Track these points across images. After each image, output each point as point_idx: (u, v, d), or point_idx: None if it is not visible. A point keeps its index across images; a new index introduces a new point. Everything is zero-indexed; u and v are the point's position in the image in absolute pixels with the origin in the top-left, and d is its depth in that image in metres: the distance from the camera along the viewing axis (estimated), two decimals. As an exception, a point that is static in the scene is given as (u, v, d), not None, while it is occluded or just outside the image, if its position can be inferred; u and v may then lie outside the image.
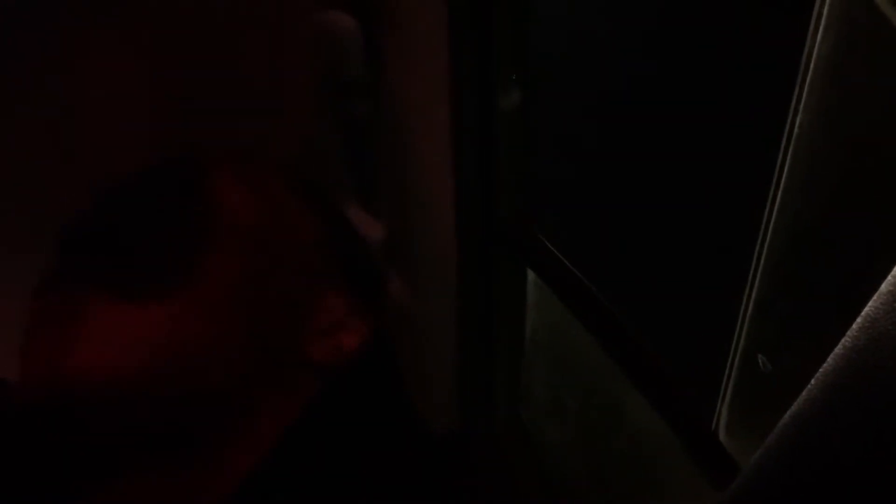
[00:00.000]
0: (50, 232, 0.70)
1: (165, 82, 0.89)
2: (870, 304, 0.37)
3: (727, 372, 0.71)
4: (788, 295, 0.64)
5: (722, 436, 0.76)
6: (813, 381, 0.39)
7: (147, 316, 0.63)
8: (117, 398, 0.62)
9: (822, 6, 0.55)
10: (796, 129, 0.58)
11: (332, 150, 0.91)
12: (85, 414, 0.63)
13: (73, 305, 0.64)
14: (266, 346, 0.68)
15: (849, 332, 0.37)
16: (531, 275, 0.98)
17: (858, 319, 0.37)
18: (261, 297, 0.68)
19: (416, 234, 0.93)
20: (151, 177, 0.72)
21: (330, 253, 0.76)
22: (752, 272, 0.65)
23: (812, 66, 0.56)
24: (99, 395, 0.62)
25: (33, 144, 0.88)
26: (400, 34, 0.82)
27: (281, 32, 0.88)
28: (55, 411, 0.64)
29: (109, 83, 0.88)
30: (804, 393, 0.39)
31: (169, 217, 0.68)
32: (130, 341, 0.63)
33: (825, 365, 0.38)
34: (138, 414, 0.63)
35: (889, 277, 0.36)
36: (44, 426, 0.67)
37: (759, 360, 0.67)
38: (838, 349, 0.38)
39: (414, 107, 0.85)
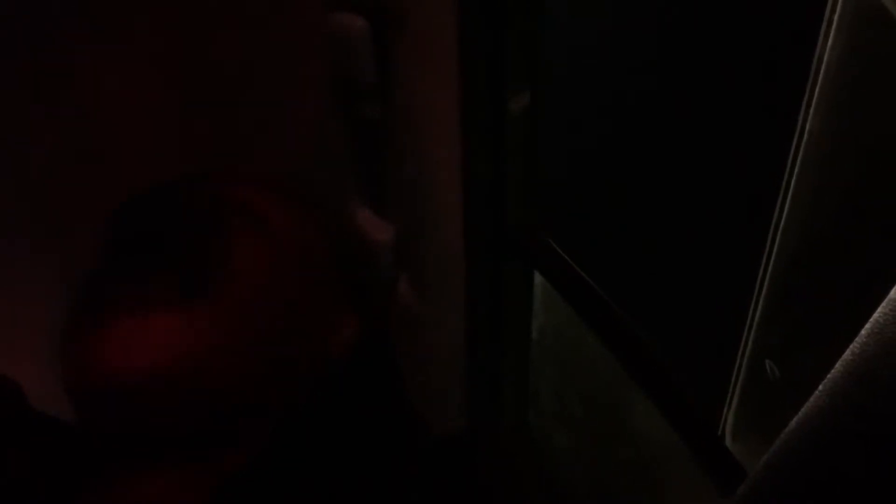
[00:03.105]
0: (70, 237, 0.71)
1: (178, 86, 0.90)
2: (879, 310, 0.36)
3: (734, 377, 0.71)
4: (797, 301, 0.64)
5: (728, 441, 0.76)
6: (821, 388, 0.39)
7: (176, 322, 0.65)
8: (142, 399, 0.64)
9: (832, 10, 0.55)
10: (806, 134, 0.58)
11: (342, 152, 0.91)
12: (109, 414, 0.64)
13: (104, 310, 0.65)
14: (281, 347, 0.69)
15: (857, 339, 0.37)
16: (538, 277, 0.98)
17: (867, 325, 0.37)
18: (279, 304, 0.69)
19: (425, 236, 0.93)
20: (178, 187, 0.73)
21: (335, 259, 0.77)
22: (760, 277, 0.65)
23: (822, 69, 0.56)
24: (125, 396, 0.63)
25: (56, 151, 0.89)
26: (410, 36, 0.82)
27: (291, 35, 0.88)
28: (82, 411, 0.66)
29: (127, 88, 0.88)
30: (811, 399, 0.39)
31: (196, 227, 0.69)
32: (158, 346, 0.64)
33: (833, 371, 0.38)
34: (159, 413, 0.64)
35: (898, 284, 0.36)
36: (57, 427, 0.68)
37: (767, 366, 0.67)
38: (846, 355, 0.38)
39: (424, 109, 0.85)
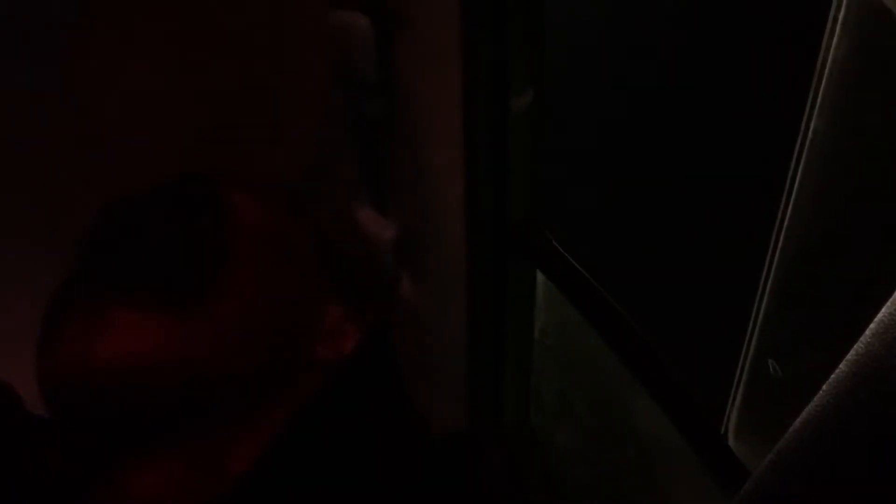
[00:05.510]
0: (70, 237, 0.71)
1: (180, 84, 0.90)
2: (883, 309, 0.36)
3: (737, 376, 0.71)
4: (800, 300, 0.64)
5: (731, 440, 0.76)
6: (825, 387, 0.39)
7: (168, 323, 0.65)
8: (132, 396, 0.64)
9: (837, 12, 0.55)
10: (810, 134, 0.58)
11: (344, 150, 0.91)
12: (98, 408, 0.64)
13: (97, 306, 0.65)
14: (275, 349, 0.69)
15: (862, 338, 0.37)
16: (540, 276, 0.98)
17: (872, 325, 0.37)
18: (274, 306, 0.69)
19: (427, 234, 0.93)
20: (170, 189, 0.73)
21: (328, 260, 0.77)
22: (763, 276, 0.65)
23: (827, 70, 0.56)
24: (115, 392, 0.63)
25: (55, 151, 0.89)
26: (413, 35, 0.82)
27: (294, 32, 0.88)
28: (70, 405, 0.66)
29: (127, 88, 0.88)
30: (816, 399, 0.39)
31: (189, 228, 0.69)
32: (150, 346, 0.64)
33: (837, 371, 0.38)
34: (151, 411, 0.64)
35: (903, 283, 0.36)
36: (53, 426, 0.68)
37: (770, 365, 0.67)
38: (851, 355, 0.38)
39: (426, 107, 0.85)
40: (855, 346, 0.37)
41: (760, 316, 0.67)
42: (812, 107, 0.57)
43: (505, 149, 0.86)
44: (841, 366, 0.38)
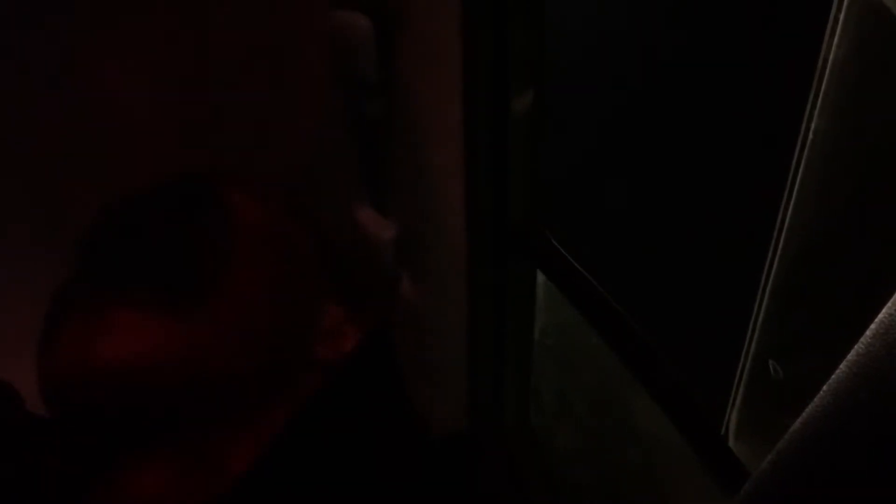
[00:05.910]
0: (70, 237, 0.71)
1: (180, 84, 0.90)
2: (884, 310, 0.36)
3: (738, 377, 0.71)
4: (801, 301, 0.64)
5: (731, 441, 0.76)
6: (825, 388, 0.39)
7: (168, 323, 0.65)
8: (132, 396, 0.64)
9: (837, 12, 0.55)
10: (811, 135, 0.58)
11: (344, 150, 0.91)
12: (98, 408, 0.64)
13: (97, 306, 0.65)
14: (275, 349, 0.69)
15: (862, 339, 0.37)
16: (540, 277, 0.98)
17: (872, 326, 0.37)
18: (274, 306, 0.70)
19: (427, 234, 0.93)
20: (170, 189, 0.73)
21: (328, 260, 0.78)
22: (763, 276, 0.65)
23: (828, 70, 0.56)
24: (115, 392, 0.63)
25: (55, 151, 0.89)
26: (413, 35, 0.82)
27: (294, 33, 0.88)
28: (70, 405, 0.66)
29: (126, 88, 0.88)
30: (816, 399, 0.39)
31: (189, 228, 0.69)
32: (150, 346, 0.64)
33: (838, 371, 0.38)
34: (151, 411, 0.65)
35: (903, 284, 0.36)
36: (53, 426, 0.68)
37: (771, 366, 0.67)
38: (851, 356, 0.38)
39: (427, 106, 0.85)
40: (855, 347, 0.37)
41: (760, 316, 0.67)
42: (812, 107, 0.57)
43: (505, 149, 0.86)
44: (841, 366, 0.38)
